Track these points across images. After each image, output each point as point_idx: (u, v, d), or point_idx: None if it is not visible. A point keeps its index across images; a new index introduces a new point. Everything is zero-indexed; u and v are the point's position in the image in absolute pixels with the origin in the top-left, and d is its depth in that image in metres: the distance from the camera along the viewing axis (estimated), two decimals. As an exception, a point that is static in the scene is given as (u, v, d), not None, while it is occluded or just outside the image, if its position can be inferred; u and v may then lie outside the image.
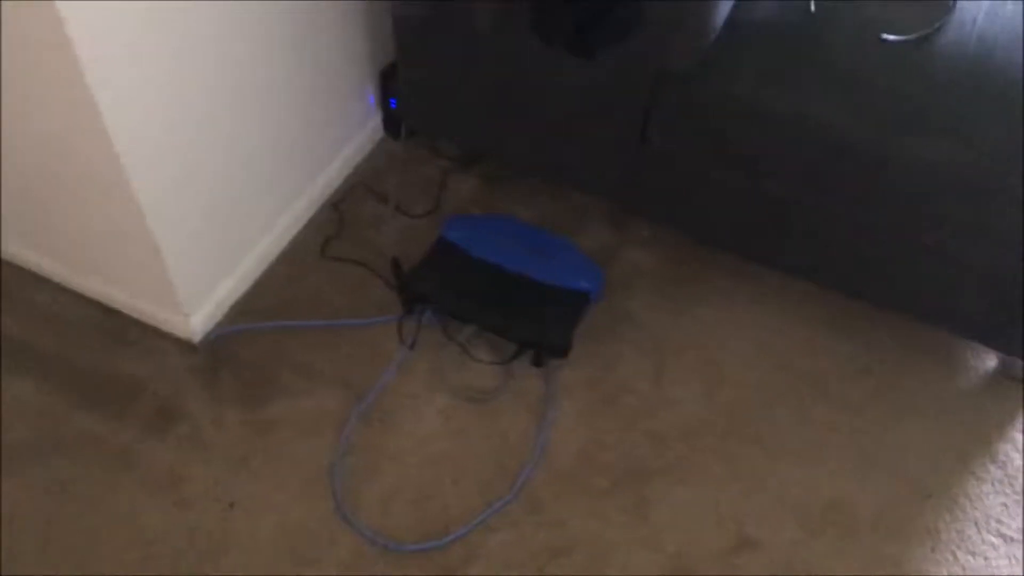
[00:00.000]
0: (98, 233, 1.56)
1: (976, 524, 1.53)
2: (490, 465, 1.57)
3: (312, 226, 1.89)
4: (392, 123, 2.02)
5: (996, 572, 1.48)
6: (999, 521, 1.53)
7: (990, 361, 1.73)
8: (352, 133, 1.96)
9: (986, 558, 1.49)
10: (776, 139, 1.48)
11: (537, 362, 1.68)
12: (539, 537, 1.49)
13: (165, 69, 1.37)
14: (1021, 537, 1.52)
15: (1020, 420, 1.65)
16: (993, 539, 1.51)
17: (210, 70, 1.47)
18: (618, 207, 1.91)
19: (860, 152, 1.42)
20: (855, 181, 1.47)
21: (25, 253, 1.75)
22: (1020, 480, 1.58)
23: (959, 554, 1.49)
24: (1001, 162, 1.34)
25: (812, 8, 1.39)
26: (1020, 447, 1.62)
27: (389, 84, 1.95)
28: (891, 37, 1.36)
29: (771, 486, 1.56)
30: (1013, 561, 1.49)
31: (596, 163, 1.73)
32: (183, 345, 1.69)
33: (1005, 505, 1.55)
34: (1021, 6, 1.43)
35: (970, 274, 1.51)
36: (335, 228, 1.88)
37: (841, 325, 1.77)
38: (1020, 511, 1.54)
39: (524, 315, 1.70)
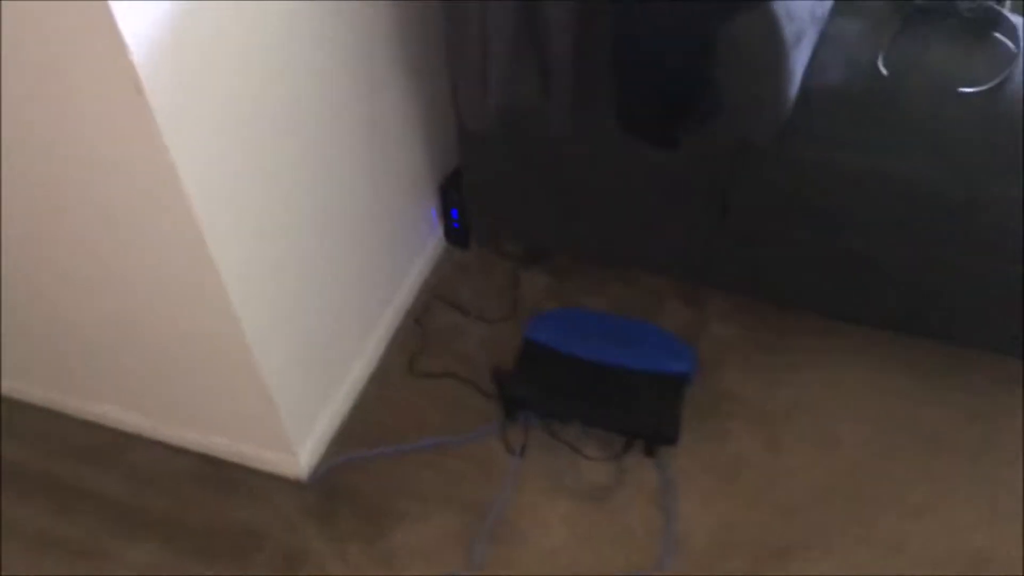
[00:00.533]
0: (205, 383, 1.55)
1: (1124, 556, 1.51)
2: (626, 566, 1.54)
3: (395, 345, 1.88)
4: (454, 235, 2.04)
5: None
6: None
7: (1093, 386, 1.73)
8: (420, 249, 1.98)
9: None
10: (857, 197, 1.51)
11: (649, 452, 1.67)
12: (692, 632, 1.46)
13: (264, 212, 1.40)
14: None
15: None
16: None
17: (298, 206, 1.49)
18: (693, 284, 1.92)
19: (946, 200, 1.45)
20: (942, 228, 1.49)
21: (117, 413, 1.73)
22: None
23: (1116, 587, 1.47)
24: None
25: (883, 71, 1.43)
26: None
27: (448, 197, 1.98)
28: (968, 90, 1.39)
29: (911, 546, 1.54)
30: None
31: (674, 246, 1.75)
32: (293, 484, 1.67)
33: None
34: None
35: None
36: (419, 344, 1.88)
37: (938, 372, 1.76)
38: None
39: (628, 406, 1.69)
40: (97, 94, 1.09)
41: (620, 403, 1.70)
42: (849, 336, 1.82)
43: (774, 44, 1.34)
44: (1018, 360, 1.71)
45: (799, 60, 1.42)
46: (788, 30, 1.34)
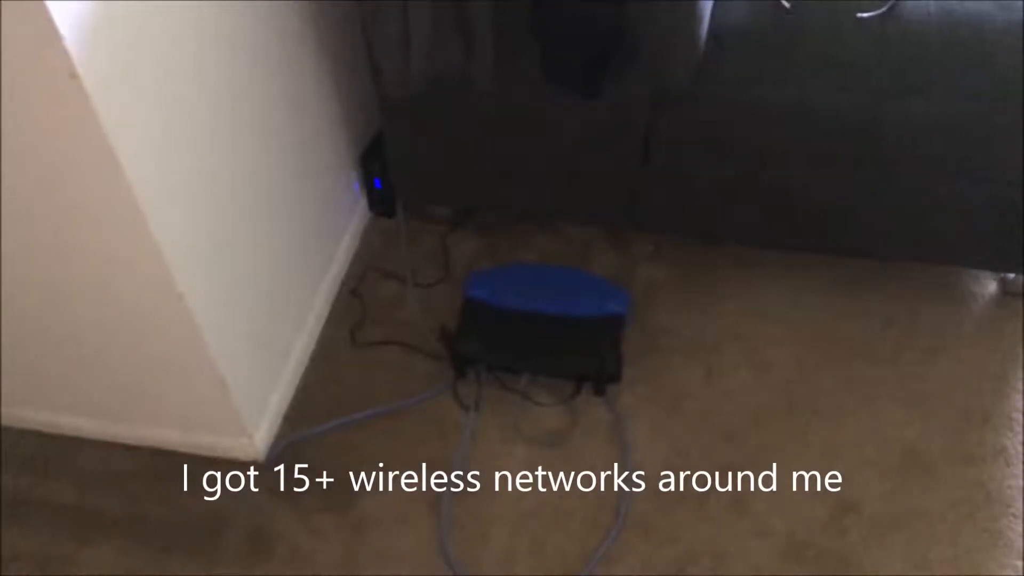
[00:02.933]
0: (154, 376, 1.52)
1: (1035, 432, 1.66)
2: (589, 501, 1.60)
3: (335, 319, 1.89)
4: (379, 203, 2.05)
5: (1067, 470, 1.61)
6: (1053, 424, 1.67)
7: (990, 285, 1.88)
8: (346, 222, 1.98)
9: (1056, 460, 1.62)
10: (776, 131, 1.59)
11: (597, 392, 1.73)
12: (659, 556, 1.53)
13: (199, 190, 1.38)
14: (1076, 433, 1.65)
15: (1037, 330, 1.81)
16: (1055, 442, 1.65)
17: (229, 184, 1.48)
18: (618, 229, 1.99)
19: (854, 123, 1.55)
20: (853, 150, 1.59)
21: (60, 419, 1.69)
22: (1056, 383, 1.72)
23: (1031, 463, 1.62)
24: (983, 104, 1.48)
25: (786, 4, 1.50)
26: (1046, 354, 1.77)
27: (370, 167, 1.98)
28: (866, 15, 1.48)
29: (845, 449, 1.65)
30: (1078, 456, 1.62)
31: (599, 194, 1.80)
32: (251, 467, 1.66)
33: (1052, 409, 1.69)
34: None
35: (971, 210, 1.65)
36: (359, 315, 1.89)
37: (855, 285, 1.88)
38: (1066, 411, 1.69)
39: (571, 350, 1.75)
40: (31, 80, 1.06)
41: (563, 349, 1.75)
42: (770, 263, 1.93)
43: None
44: (929, 263, 1.84)
45: (707, 3, 1.49)
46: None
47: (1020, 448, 1.63)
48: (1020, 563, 1.49)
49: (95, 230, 1.27)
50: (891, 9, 1.49)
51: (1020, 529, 1.53)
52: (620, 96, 1.57)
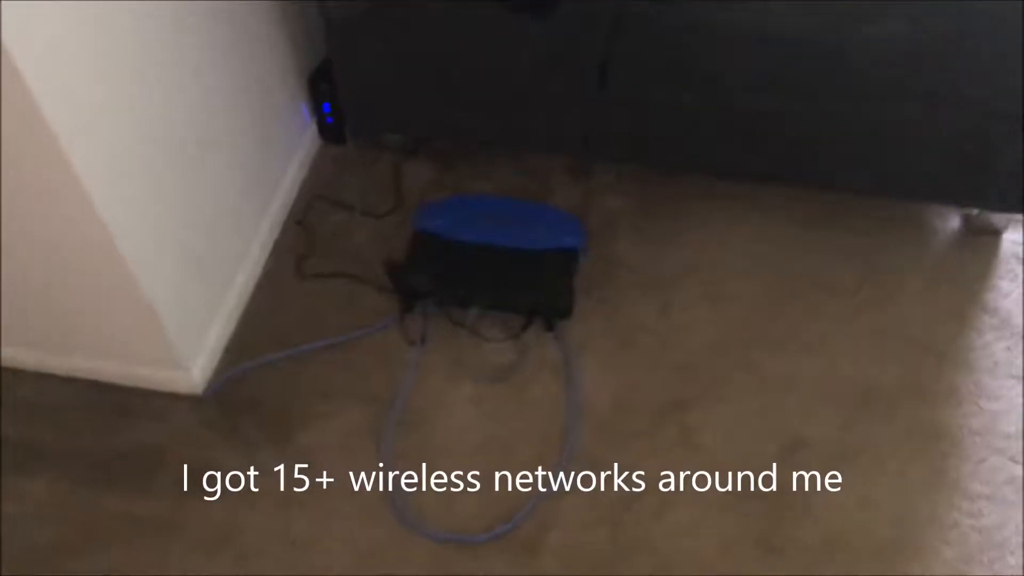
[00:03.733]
0: (84, 305, 1.47)
1: (989, 372, 1.63)
2: (535, 436, 1.57)
3: (281, 248, 1.83)
4: (329, 130, 1.97)
5: (1019, 410, 1.58)
6: (1008, 364, 1.64)
7: (955, 221, 1.84)
8: (294, 147, 1.91)
9: (1007, 400, 1.59)
10: (736, 55, 1.53)
11: (548, 327, 1.69)
12: (604, 491, 1.51)
13: (125, 112, 1.31)
14: (1031, 372, 1.63)
15: (997, 267, 1.76)
16: (1008, 381, 1.62)
17: (161, 107, 1.41)
18: (579, 159, 1.93)
19: (819, 48, 1.48)
20: (818, 77, 1.53)
21: (-3, 350, 1.64)
22: (1013, 321, 1.69)
23: (982, 402, 1.59)
24: (953, 26, 1.42)
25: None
26: (1005, 292, 1.73)
27: (319, 91, 1.90)
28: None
29: (800, 385, 1.62)
30: (1031, 396, 1.60)
31: (556, 120, 1.74)
32: (190, 400, 1.62)
33: (1008, 348, 1.66)
34: None
35: (944, 141, 1.59)
36: (305, 246, 1.83)
37: (819, 219, 1.84)
38: (1022, 350, 1.65)
39: (521, 285, 1.70)
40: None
41: (514, 283, 1.71)
42: (734, 196, 1.88)
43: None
44: (893, 200, 1.80)
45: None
46: None
47: (972, 388, 1.61)
48: (964, 503, 1.48)
49: (12, 159, 1.20)
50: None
51: (966, 469, 1.51)
52: (576, 14, 1.50)
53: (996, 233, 1.80)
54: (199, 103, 1.52)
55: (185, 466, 1.54)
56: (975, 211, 1.79)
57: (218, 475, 1.53)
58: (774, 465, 1.52)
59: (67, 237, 1.32)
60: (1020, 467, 1.51)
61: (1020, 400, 1.59)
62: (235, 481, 1.52)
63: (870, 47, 1.46)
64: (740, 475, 1.51)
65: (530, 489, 1.51)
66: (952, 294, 1.73)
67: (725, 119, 1.64)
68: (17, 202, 1.27)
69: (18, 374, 1.65)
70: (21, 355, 1.63)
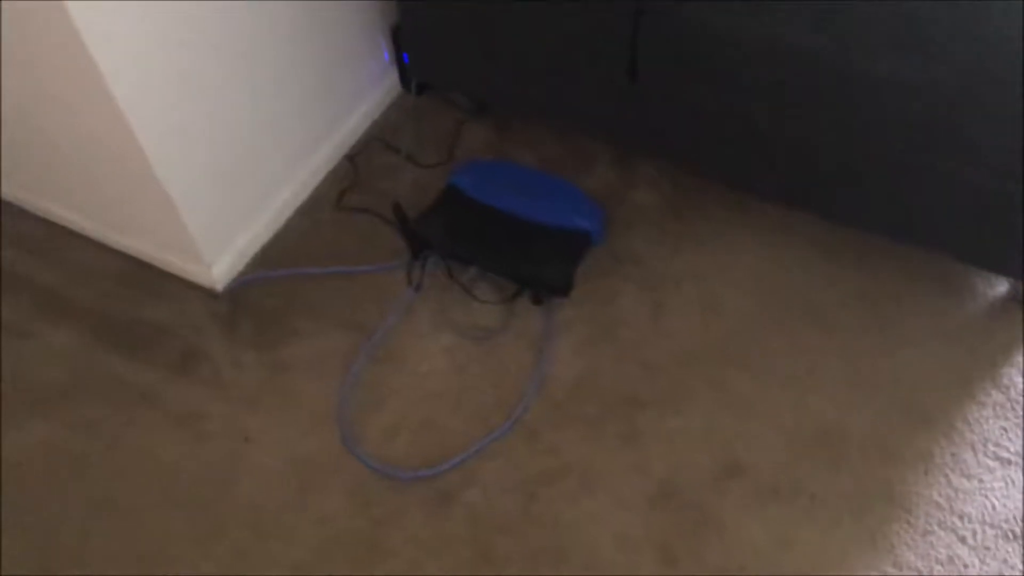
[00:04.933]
0: (118, 191, 1.67)
1: (973, 447, 1.52)
2: (489, 398, 1.63)
3: (330, 179, 1.97)
4: (407, 78, 2.09)
5: (990, 494, 1.47)
6: (997, 444, 1.52)
7: (1000, 287, 1.70)
8: (368, 89, 2.04)
9: (981, 480, 1.48)
10: (754, 63, 1.49)
11: (536, 300, 1.74)
12: (533, 463, 1.55)
13: (170, 29, 1.46)
14: (1020, 460, 1.50)
15: (1026, 344, 1.63)
16: (990, 462, 1.50)
17: (217, 27, 1.55)
18: (618, 149, 1.94)
19: (834, 75, 1.43)
20: (834, 102, 1.47)
21: (60, 211, 1.88)
22: (1022, 403, 1.56)
23: (952, 477, 1.49)
24: (973, 80, 1.33)
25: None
26: (1024, 370, 1.60)
27: (400, 40, 2.01)
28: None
29: (762, 412, 1.58)
30: (1009, 484, 1.48)
31: (591, 103, 1.76)
32: (206, 293, 1.80)
33: (1004, 429, 1.54)
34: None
35: (963, 196, 1.49)
36: (350, 180, 1.96)
37: (844, 254, 1.76)
38: (1021, 433, 1.53)
39: (524, 255, 1.75)
40: None
41: (518, 252, 1.76)
42: (764, 214, 1.83)
43: None
44: (925, 249, 1.69)
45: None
46: None
47: (947, 459, 1.50)
48: (891, 570, 1.40)
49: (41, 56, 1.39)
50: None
51: (907, 538, 1.43)
52: (601, 7, 1.52)
53: (1041, 309, 1.66)
54: (265, 20, 1.65)
55: (183, 348, 1.73)
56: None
57: (206, 363, 1.71)
58: (703, 482, 1.51)
59: (92, 123, 1.50)
60: (965, 549, 1.41)
61: (996, 486, 1.48)
62: (217, 371, 1.69)
63: (883, 82, 1.38)
64: (666, 484, 1.51)
65: (466, 444, 1.57)
66: (965, 360, 1.62)
67: (739, 127, 1.61)
68: (67, 106, 1.48)
69: (78, 237, 1.89)
70: (81, 221, 1.87)
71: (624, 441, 1.57)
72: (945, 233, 1.57)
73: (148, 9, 1.41)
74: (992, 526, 1.43)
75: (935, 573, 1.40)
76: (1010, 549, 1.41)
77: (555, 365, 1.66)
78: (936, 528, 1.44)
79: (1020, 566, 1.39)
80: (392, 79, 2.10)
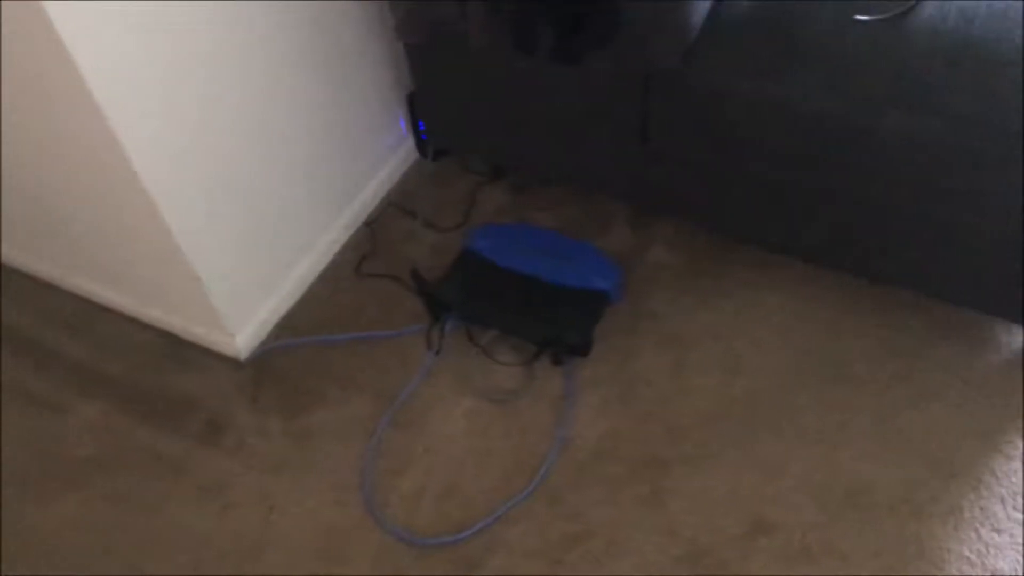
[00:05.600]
0: (145, 266, 1.71)
1: (1002, 501, 1.50)
2: (512, 461, 1.64)
3: (349, 246, 2.01)
4: (423, 144, 2.13)
5: (1021, 549, 1.44)
6: (1028, 497, 1.50)
7: (1020, 337, 1.69)
8: (386, 157, 2.08)
9: (1012, 535, 1.46)
10: (765, 126, 1.51)
11: (556, 361, 1.75)
12: (557, 527, 1.55)
13: (191, 104, 1.51)
14: (1052, 513, 1.48)
15: (1054, 394, 1.61)
16: (1020, 515, 1.48)
17: (236, 100, 1.60)
18: (636, 209, 1.96)
19: (844, 131, 1.44)
20: (845, 160, 1.49)
21: (90, 285, 1.93)
22: (1052, 455, 1.54)
23: (983, 531, 1.47)
24: (979, 131, 1.34)
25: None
26: (1053, 421, 1.58)
27: (416, 108, 2.06)
28: (864, 18, 1.37)
29: (790, 471, 1.57)
30: (1041, 537, 1.45)
31: (604, 165, 1.79)
32: (231, 363, 1.83)
33: (1034, 481, 1.52)
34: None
35: (985, 249, 1.50)
36: (369, 246, 1.99)
37: (867, 310, 1.76)
38: (1052, 486, 1.51)
39: (543, 316, 1.77)
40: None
41: (536, 313, 1.78)
42: (785, 271, 1.83)
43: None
44: (947, 302, 1.69)
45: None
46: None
47: (976, 513, 1.48)
48: (925, 630, 1.38)
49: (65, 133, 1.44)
50: (902, 15, 1.37)
51: (940, 596, 1.41)
52: (611, 69, 1.55)
53: (1065, 358, 1.64)
54: (289, 97, 1.71)
55: (210, 418, 1.75)
56: (1043, 329, 1.64)
57: (233, 432, 1.73)
58: (731, 545, 1.49)
59: (113, 194, 1.54)
60: (1000, 609, 1.39)
61: (1029, 540, 1.45)
62: (243, 441, 1.71)
63: (894, 138, 1.40)
64: (693, 545, 1.50)
65: (490, 509, 1.57)
66: (991, 413, 1.60)
67: (750, 186, 1.63)
68: (71, 165, 1.53)
69: (107, 311, 1.93)
70: (111, 296, 1.91)
71: (649, 503, 1.56)
72: (971, 286, 1.57)
73: (168, 84, 1.46)
74: (1026, 582, 1.41)
75: (970, 633, 1.37)
76: (1046, 606, 1.39)
77: (577, 426, 1.67)
78: (969, 586, 1.42)
79: (1057, 624, 1.37)
80: (408, 146, 2.14)
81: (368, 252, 1.99)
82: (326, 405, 1.75)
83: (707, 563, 1.48)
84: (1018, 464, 1.53)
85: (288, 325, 1.89)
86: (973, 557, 1.44)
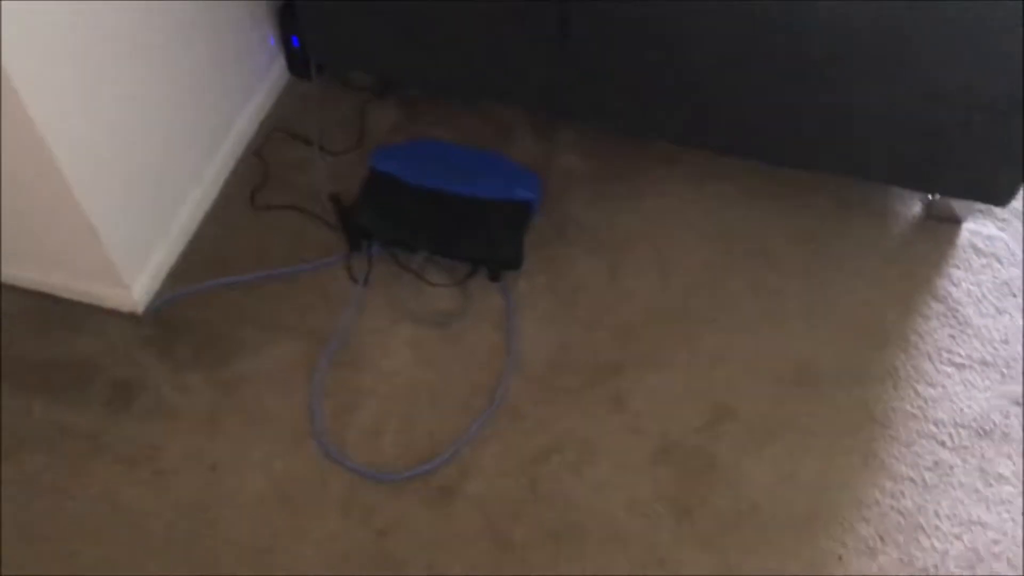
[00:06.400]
0: (25, 216, 1.47)
1: (929, 357, 1.62)
2: (466, 384, 1.57)
3: (236, 178, 1.83)
4: (297, 63, 1.96)
5: (955, 398, 1.57)
6: (949, 351, 1.62)
7: (916, 206, 1.82)
8: (259, 78, 1.90)
9: (944, 387, 1.58)
10: (687, 17, 1.50)
11: (493, 277, 1.69)
12: (527, 442, 1.51)
13: (73, 41, 1.31)
14: (971, 362, 1.61)
15: (953, 256, 1.74)
16: (947, 368, 1.60)
17: (109, 32, 1.40)
18: (542, 114, 1.91)
19: (773, 17, 1.46)
20: (770, 47, 1.51)
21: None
22: (961, 310, 1.67)
23: (919, 387, 1.58)
24: (895, 12, 1.40)
25: None
26: (957, 280, 1.71)
27: (288, 23, 1.88)
28: None
29: (736, 357, 1.61)
30: (968, 385, 1.58)
31: (517, 70, 1.72)
32: (128, 318, 1.62)
33: (952, 336, 1.64)
34: None
35: (894, 125, 1.57)
36: (261, 177, 1.82)
37: (778, 195, 1.82)
38: (966, 338, 1.64)
39: (472, 233, 1.69)
40: None
41: (465, 230, 1.70)
42: (695, 164, 1.86)
43: None
44: (853, 180, 1.78)
45: None
46: None
47: (910, 372, 1.59)
48: (888, 483, 1.47)
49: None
50: None
51: (895, 451, 1.51)
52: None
53: (956, 222, 1.78)
54: (155, 22, 1.50)
55: (116, 382, 1.55)
56: (936, 197, 1.77)
57: (147, 394, 1.54)
58: (698, 433, 1.52)
59: (7, 150, 1.32)
60: (946, 452, 1.51)
61: (957, 389, 1.58)
62: (162, 401, 1.53)
63: (828, 19, 1.43)
64: (663, 440, 1.51)
65: (454, 434, 1.51)
66: (902, 279, 1.72)
67: (683, 84, 1.62)
68: None
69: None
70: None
71: (611, 406, 1.55)
72: (883, 161, 1.66)
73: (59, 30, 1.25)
74: (964, 427, 1.53)
75: (927, 479, 1.48)
76: (984, 445, 1.51)
77: (525, 340, 1.62)
78: (917, 438, 1.52)
79: (995, 459, 1.50)
80: (280, 66, 1.96)
81: (260, 183, 1.81)
82: (249, 351, 1.60)
83: (680, 454, 1.50)
84: (936, 322, 1.66)
85: (184, 272, 1.70)
86: (916, 412, 1.55)
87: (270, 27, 1.89)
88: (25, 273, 1.63)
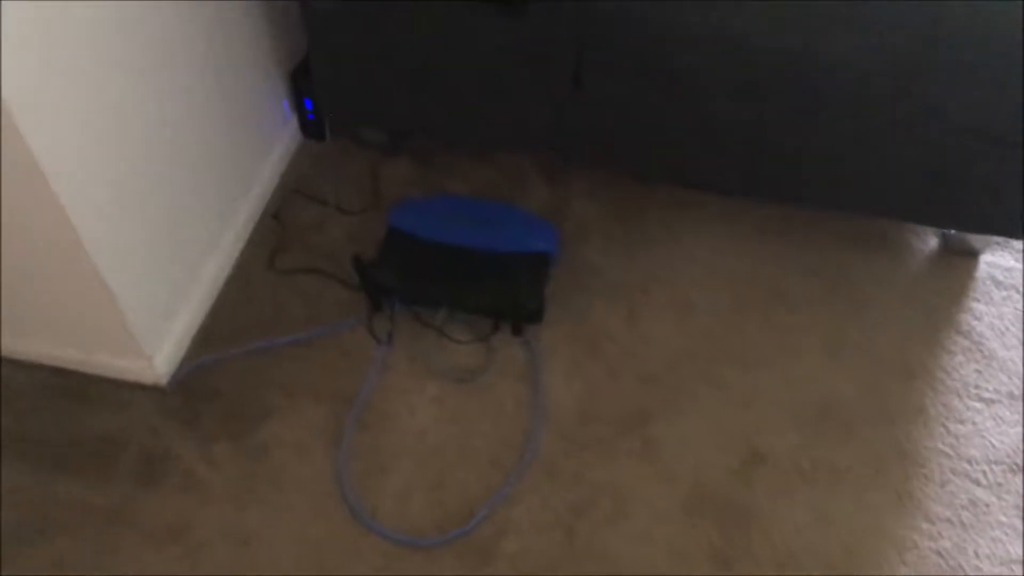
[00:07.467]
0: (43, 289, 1.46)
1: (957, 393, 1.61)
2: (495, 440, 1.56)
3: (255, 242, 1.82)
4: (310, 126, 1.97)
5: (986, 434, 1.56)
6: (976, 386, 1.62)
7: (932, 241, 1.82)
8: (274, 141, 1.91)
9: (974, 423, 1.58)
10: (700, 57, 1.52)
11: (516, 331, 1.68)
12: (560, 497, 1.50)
13: (93, 110, 1.31)
14: (1000, 397, 1.61)
15: (973, 289, 1.75)
16: (976, 404, 1.60)
17: (128, 105, 1.40)
18: (554, 161, 1.92)
19: (785, 55, 1.47)
20: (781, 85, 1.52)
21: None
22: (985, 344, 1.67)
23: (949, 424, 1.57)
24: (924, 43, 1.41)
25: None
26: (979, 314, 1.71)
27: (300, 86, 1.90)
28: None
29: (761, 400, 1.61)
30: (999, 421, 1.58)
31: (530, 119, 1.73)
32: (151, 390, 1.61)
33: (979, 371, 1.64)
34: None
35: (908, 159, 1.58)
36: (279, 239, 1.82)
37: (791, 233, 1.83)
38: (992, 371, 1.64)
39: (492, 288, 1.69)
40: None
41: (485, 285, 1.70)
42: (704, 207, 1.87)
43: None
44: (867, 217, 1.78)
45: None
46: None
47: (940, 409, 1.59)
48: (924, 524, 1.46)
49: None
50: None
51: (929, 491, 1.50)
52: (547, 11, 1.49)
53: (973, 254, 1.79)
54: (171, 93, 1.51)
55: (142, 457, 1.54)
56: (952, 232, 1.78)
57: (174, 467, 1.53)
58: (730, 479, 1.51)
59: (25, 220, 1.32)
60: (982, 490, 1.50)
61: (988, 425, 1.57)
62: (190, 474, 1.52)
63: (838, 58, 1.45)
64: (697, 487, 1.50)
65: (486, 493, 1.49)
66: (924, 314, 1.72)
67: (694, 126, 1.63)
68: None
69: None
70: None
71: (642, 455, 1.54)
72: (897, 197, 1.66)
73: (85, 94, 1.25)
74: (997, 463, 1.53)
75: (963, 519, 1.47)
76: (1019, 481, 1.51)
77: (551, 392, 1.62)
78: (951, 476, 1.51)
79: (1032, 494, 1.49)
80: (293, 128, 1.97)
81: (278, 246, 1.82)
82: (275, 418, 1.59)
83: (713, 503, 1.49)
84: (961, 357, 1.66)
85: (206, 340, 1.69)
86: (948, 450, 1.55)
87: (284, 90, 1.90)
88: (40, 348, 1.62)
